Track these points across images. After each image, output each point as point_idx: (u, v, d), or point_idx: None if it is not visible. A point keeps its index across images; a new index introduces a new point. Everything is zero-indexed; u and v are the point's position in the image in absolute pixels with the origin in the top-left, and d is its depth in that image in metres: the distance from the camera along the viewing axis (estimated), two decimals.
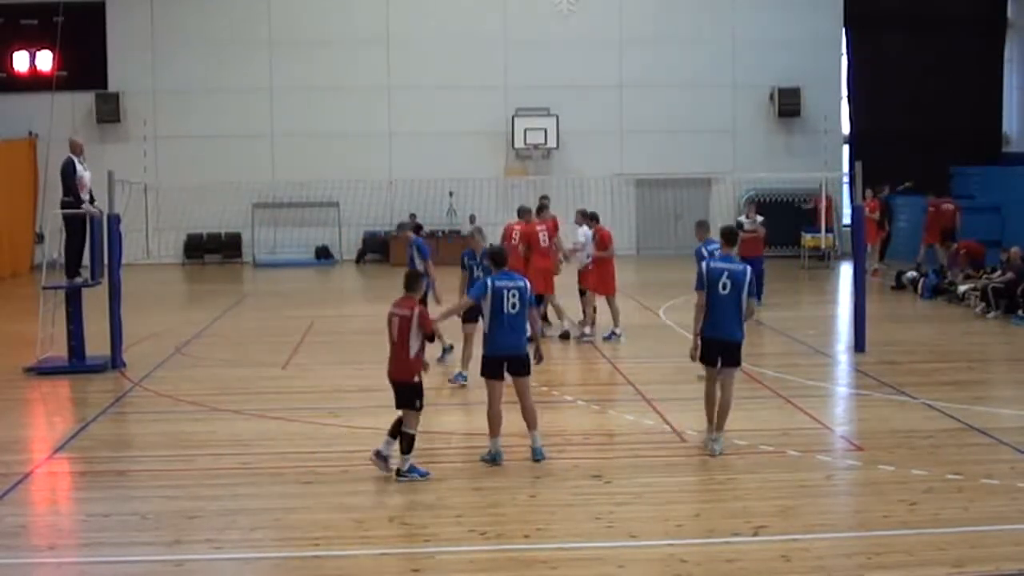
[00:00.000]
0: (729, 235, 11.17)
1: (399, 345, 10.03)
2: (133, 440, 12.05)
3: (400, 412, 10.05)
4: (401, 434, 9.93)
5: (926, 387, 13.47)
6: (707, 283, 10.58)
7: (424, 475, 9.91)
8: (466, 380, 13.73)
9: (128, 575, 7.98)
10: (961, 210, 25.94)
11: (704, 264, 10.82)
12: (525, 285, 10.48)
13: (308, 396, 13.70)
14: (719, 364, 10.67)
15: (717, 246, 14.80)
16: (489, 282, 10.49)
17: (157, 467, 10.45)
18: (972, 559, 7.86)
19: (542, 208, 18.43)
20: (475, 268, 14.03)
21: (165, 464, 10.52)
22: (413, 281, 10.34)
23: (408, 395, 10.03)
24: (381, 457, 9.99)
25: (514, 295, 10.33)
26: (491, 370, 10.41)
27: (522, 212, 17.89)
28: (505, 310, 10.31)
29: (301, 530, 8.66)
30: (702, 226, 15.01)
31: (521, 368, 10.45)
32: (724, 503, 9.24)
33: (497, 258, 10.80)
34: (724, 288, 10.52)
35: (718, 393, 10.73)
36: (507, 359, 10.38)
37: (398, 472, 9.89)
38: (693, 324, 10.87)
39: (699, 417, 12.23)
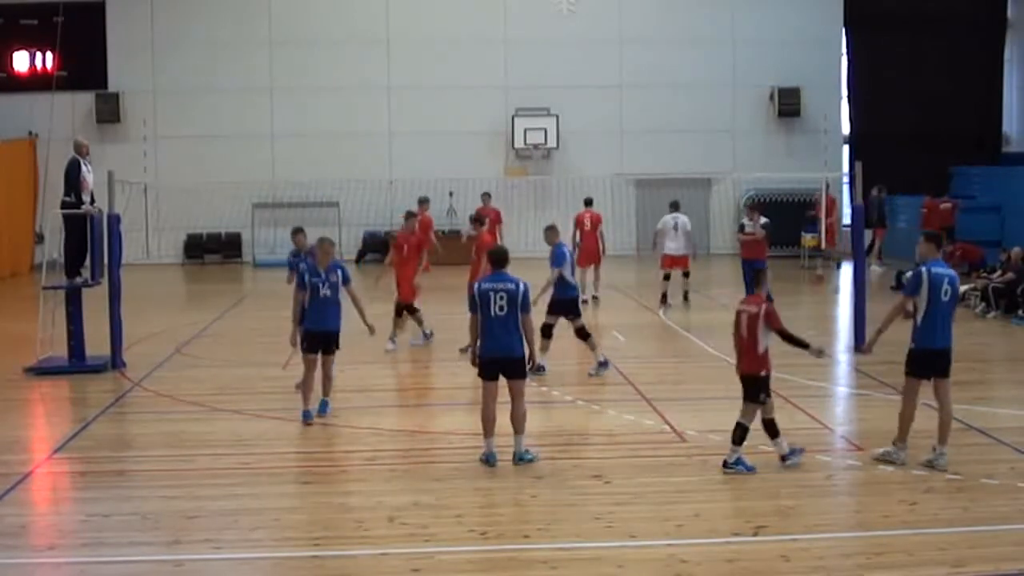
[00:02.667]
0: (935, 239, 10.74)
1: (748, 341, 10.01)
2: (133, 440, 12.03)
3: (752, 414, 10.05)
4: (737, 425, 9.96)
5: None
6: (929, 290, 10.16)
7: (750, 469, 9.90)
8: (311, 418, 12.11)
9: (128, 575, 7.97)
10: (957, 208, 25.89)
11: (924, 270, 10.25)
12: (516, 287, 10.22)
13: None
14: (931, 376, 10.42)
15: (568, 248, 14.67)
16: (476, 286, 10.42)
17: (157, 467, 10.44)
18: (972, 559, 7.85)
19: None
20: (301, 266, 12.91)
21: (165, 464, 10.51)
22: (760, 277, 10.37)
23: (755, 389, 10.00)
24: (784, 459, 10.06)
25: (501, 297, 10.15)
26: (484, 372, 10.35)
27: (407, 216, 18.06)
28: (492, 312, 10.15)
29: (301, 530, 8.65)
30: (552, 230, 14.63)
31: (514, 371, 10.29)
32: (724, 503, 9.24)
33: (494, 258, 10.67)
34: (946, 295, 10.23)
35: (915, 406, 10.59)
36: (499, 361, 10.25)
37: (725, 463, 9.93)
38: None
39: (698, 417, 12.17)
